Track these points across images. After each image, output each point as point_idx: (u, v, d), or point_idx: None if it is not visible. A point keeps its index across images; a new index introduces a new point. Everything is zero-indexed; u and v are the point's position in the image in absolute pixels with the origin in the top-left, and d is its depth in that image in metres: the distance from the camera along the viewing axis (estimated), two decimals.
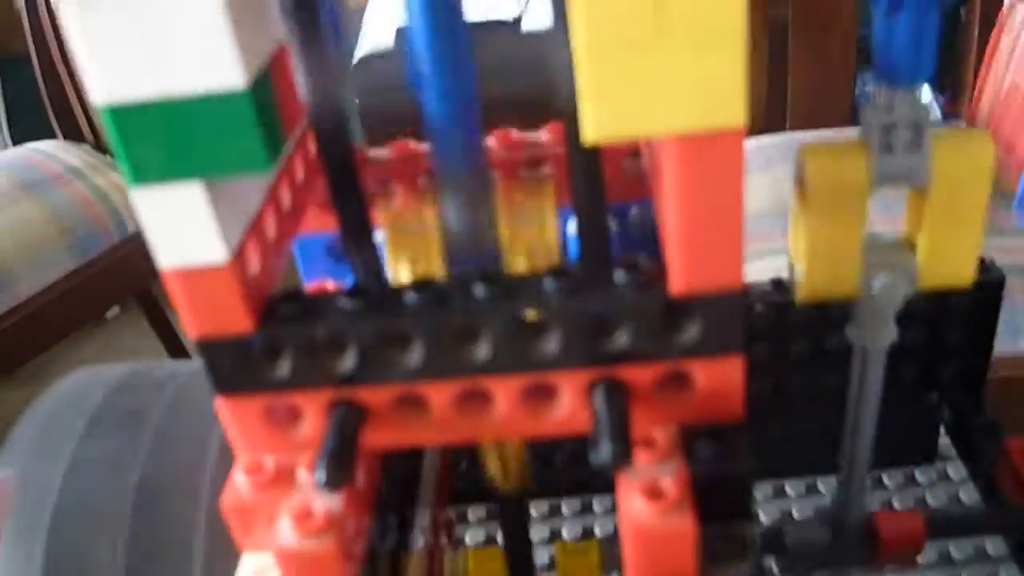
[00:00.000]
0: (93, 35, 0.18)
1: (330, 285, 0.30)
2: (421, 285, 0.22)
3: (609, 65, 0.17)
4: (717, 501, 0.22)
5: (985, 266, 0.35)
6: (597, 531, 0.41)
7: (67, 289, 1.01)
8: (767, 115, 0.97)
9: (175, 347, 1.22)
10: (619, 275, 0.21)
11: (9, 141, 1.45)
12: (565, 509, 0.43)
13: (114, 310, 1.43)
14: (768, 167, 0.90)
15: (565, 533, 0.41)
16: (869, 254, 0.25)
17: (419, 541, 0.31)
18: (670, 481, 0.21)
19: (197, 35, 0.18)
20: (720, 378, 0.22)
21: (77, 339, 1.31)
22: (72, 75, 1.14)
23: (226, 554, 0.27)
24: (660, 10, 0.17)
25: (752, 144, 0.93)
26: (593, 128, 0.18)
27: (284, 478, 0.23)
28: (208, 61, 0.18)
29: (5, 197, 1.03)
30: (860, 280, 0.25)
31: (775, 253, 0.77)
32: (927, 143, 0.23)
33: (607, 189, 0.25)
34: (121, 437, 0.31)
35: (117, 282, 1.06)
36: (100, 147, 1.17)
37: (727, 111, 0.18)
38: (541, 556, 0.40)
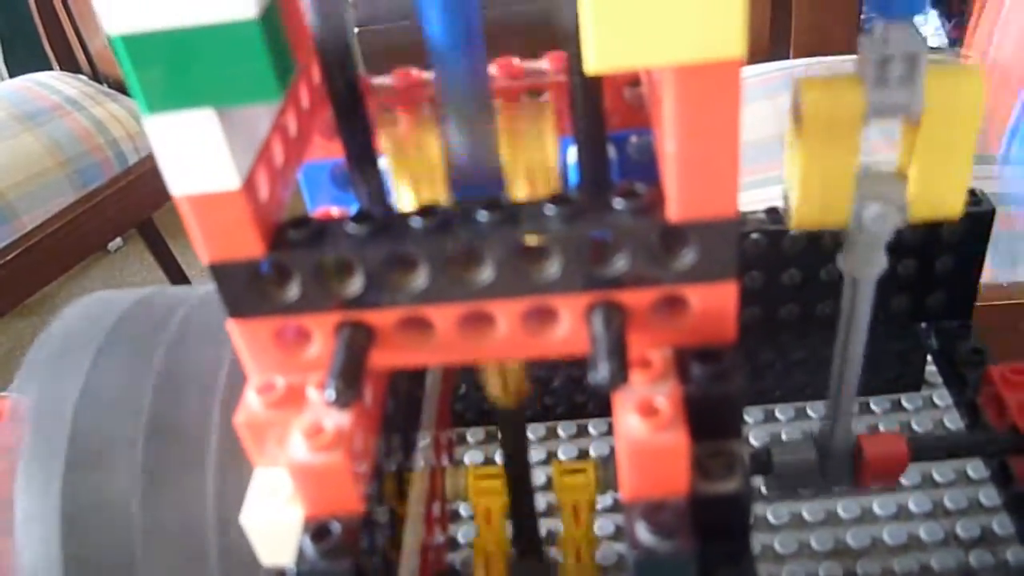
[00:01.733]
0: None
1: (335, 212, 0.30)
2: (426, 211, 0.22)
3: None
4: (709, 420, 0.23)
5: (976, 197, 0.36)
6: (592, 453, 0.43)
7: (69, 221, 1.01)
8: (771, 43, 0.96)
9: (178, 277, 1.23)
10: (618, 201, 0.22)
11: (5, 73, 1.44)
12: (561, 432, 0.44)
13: (116, 241, 1.43)
14: (771, 95, 0.90)
15: (561, 454, 0.43)
16: (861, 184, 0.25)
17: (422, 459, 0.32)
18: (664, 400, 0.22)
19: None
20: (714, 303, 0.23)
21: (80, 271, 1.32)
22: (67, 5, 1.12)
23: (239, 471, 0.28)
24: None
25: (755, 72, 0.93)
26: (596, 58, 0.19)
27: (295, 397, 0.24)
28: None
29: (4, 129, 1.02)
30: (852, 210, 0.26)
31: (778, 181, 0.77)
32: (920, 76, 0.24)
33: (607, 118, 0.25)
34: (132, 363, 0.31)
35: (119, 213, 1.06)
36: (97, 77, 1.16)
37: (726, 43, 0.18)
38: (538, 476, 0.41)
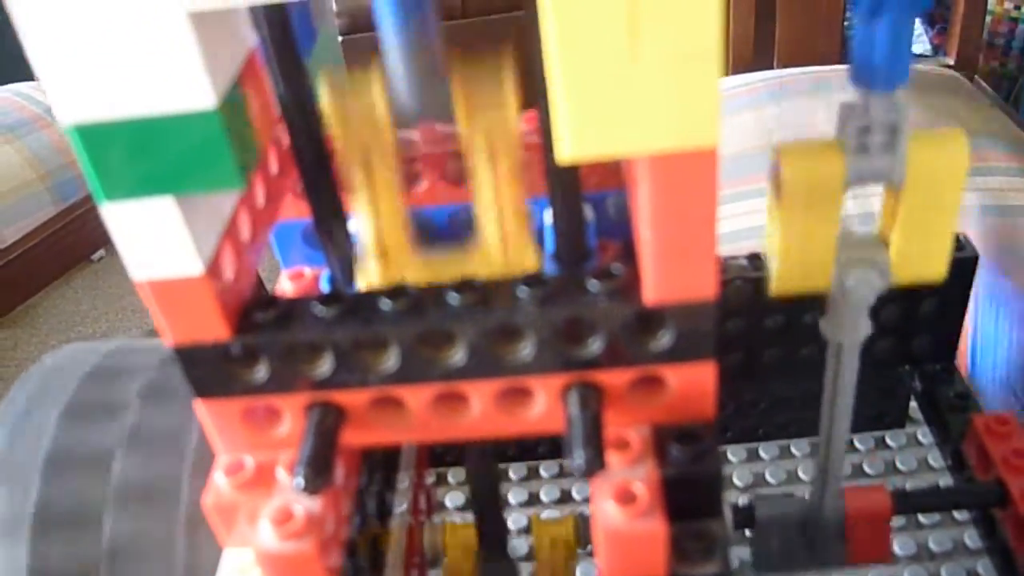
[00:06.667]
0: (55, 53, 0.17)
1: (307, 271, 0.30)
2: (396, 292, 0.22)
3: (584, 88, 0.17)
4: (688, 500, 0.22)
5: (960, 243, 0.35)
6: (575, 495, 0.42)
7: (51, 234, 1.00)
8: (755, 52, 0.95)
9: None
10: (592, 283, 0.21)
11: None
12: (543, 472, 0.43)
13: (100, 252, 1.42)
14: (755, 105, 0.89)
15: (543, 496, 0.42)
16: (842, 250, 0.25)
17: (398, 515, 0.31)
18: (642, 485, 0.21)
19: (163, 54, 0.17)
20: (692, 382, 0.22)
21: (63, 280, 1.30)
22: None
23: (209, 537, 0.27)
24: (634, 34, 0.17)
25: (739, 82, 0.92)
26: (569, 148, 0.18)
27: (264, 477, 0.23)
28: (176, 81, 0.18)
29: None
30: (833, 276, 0.25)
31: (760, 194, 0.76)
32: (902, 145, 0.23)
33: (585, 179, 0.25)
34: (96, 435, 0.31)
35: (101, 226, 1.04)
36: None
37: (701, 132, 0.18)
38: (519, 520, 0.41)
